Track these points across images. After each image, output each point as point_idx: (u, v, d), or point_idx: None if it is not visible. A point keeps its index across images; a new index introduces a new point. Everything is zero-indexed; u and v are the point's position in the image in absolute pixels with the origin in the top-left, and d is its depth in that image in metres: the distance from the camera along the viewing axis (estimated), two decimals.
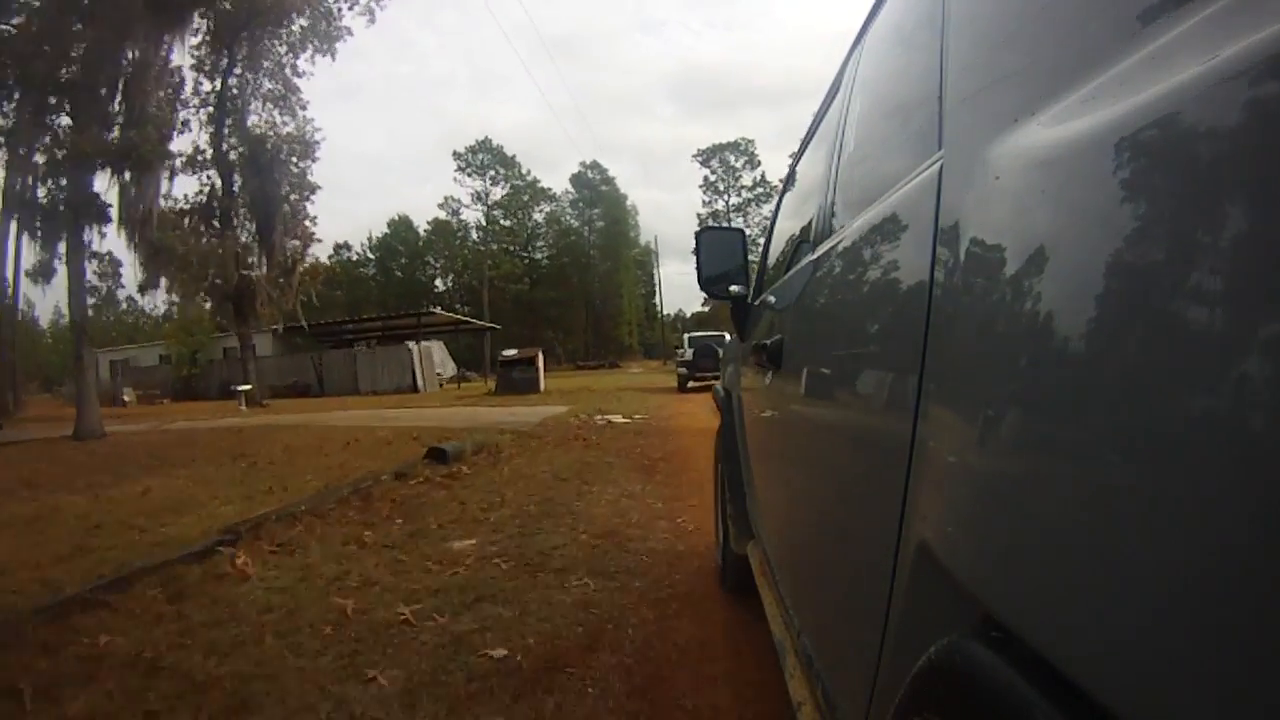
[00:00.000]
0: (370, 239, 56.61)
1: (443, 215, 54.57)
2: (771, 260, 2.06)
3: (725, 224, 51.76)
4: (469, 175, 53.80)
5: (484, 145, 53.69)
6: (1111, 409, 0.38)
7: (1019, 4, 0.63)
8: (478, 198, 53.65)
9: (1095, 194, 0.42)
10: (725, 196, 56.08)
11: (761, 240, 2.41)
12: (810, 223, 1.44)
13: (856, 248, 0.99)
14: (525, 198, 54.65)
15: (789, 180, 2.23)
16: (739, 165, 55.74)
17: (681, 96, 75.11)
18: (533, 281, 53.99)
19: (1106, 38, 0.47)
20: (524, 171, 54.99)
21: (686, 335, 19.48)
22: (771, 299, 1.72)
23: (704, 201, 57.10)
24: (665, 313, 58.68)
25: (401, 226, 54.52)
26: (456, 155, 53.75)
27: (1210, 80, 0.33)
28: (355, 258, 55.62)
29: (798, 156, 2.12)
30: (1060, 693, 0.39)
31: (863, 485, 0.86)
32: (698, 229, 2.33)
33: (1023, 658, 0.43)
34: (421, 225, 54.66)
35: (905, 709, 0.57)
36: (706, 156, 56.81)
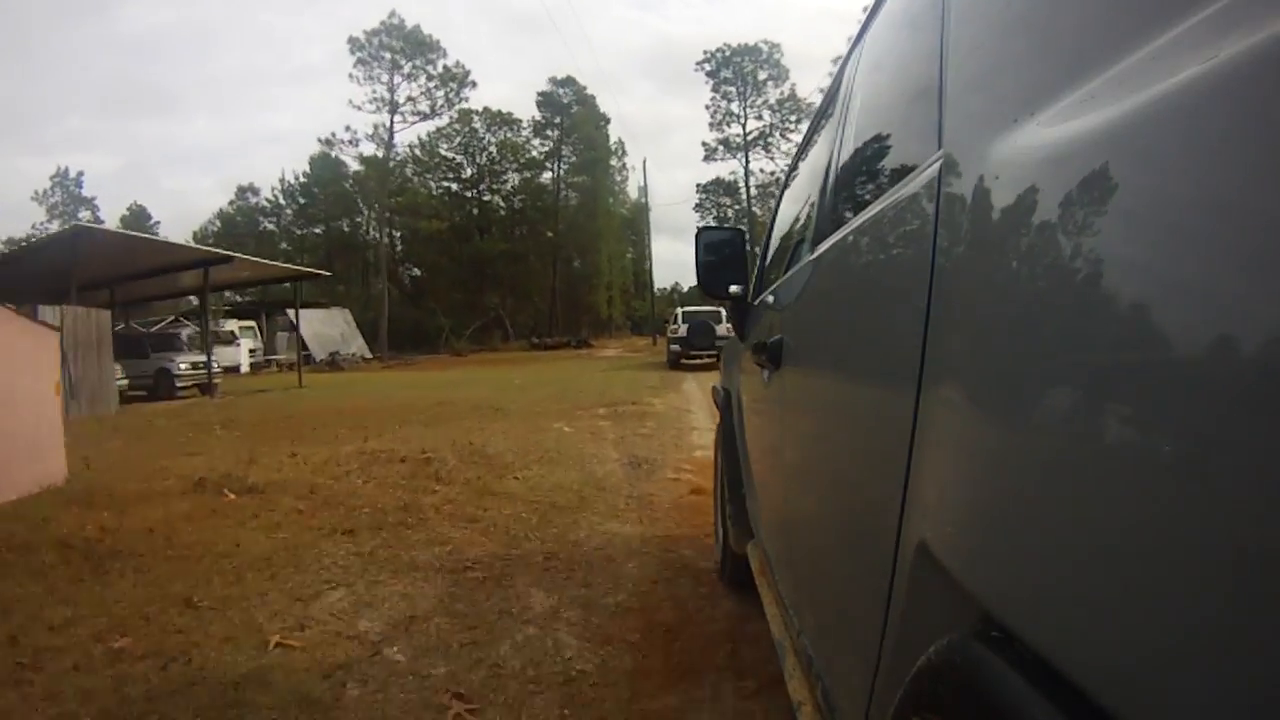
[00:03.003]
0: (282, 181, 40.58)
1: (377, 152, 37.14)
2: (770, 259, 2.06)
3: (741, 158, 40.19)
4: (370, 70, 33.90)
5: (391, 27, 33.87)
6: (1110, 409, 0.38)
7: (1019, 4, 0.63)
8: (382, 103, 34.34)
9: (1095, 194, 0.42)
10: (740, 118, 40.14)
11: (767, 228, 2.41)
12: (809, 222, 1.44)
13: (856, 247, 0.98)
14: (450, 94, 35.61)
15: (788, 179, 2.23)
16: (761, 77, 39.77)
17: (664, 72, 72.86)
18: (481, 230, 38.92)
19: (1106, 38, 0.47)
20: (456, 63, 35.36)
21: (680, 309, 17.54)
22: (771, 298, 1.72)
23: (711, 123, 40.69)
24: (659, 286, 45.44)
25: (322, 166, 38.37)
26: (353, 42, 33.59)
27: (1210, 80, 0.33)
28: (266, 204, 41.34)
29: (797, 155, 2.12)
30: (1060, 693, 0.39)
31: (862, 485, 0.86)
32: (697, 229, 2.32)
33: (1022, 658, 0.43)
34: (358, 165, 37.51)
35: (905, 709, 0.57)
36: (716, 65, 39.84)
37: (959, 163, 0.64)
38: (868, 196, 1.00)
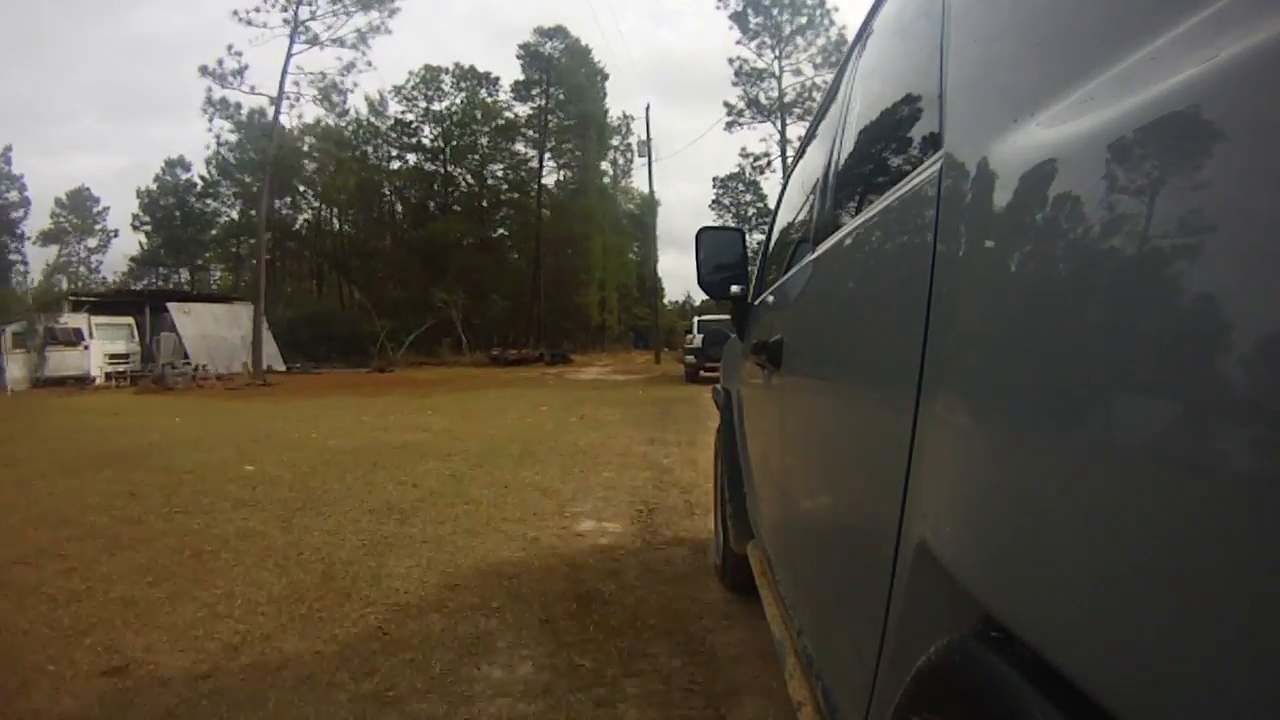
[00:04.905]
0: (217, 155, 31.66)
1: (330, 119, 28.33)
2: (771, 260, 2.06)
3: (775, 121, 30.14)
4: None
5: None
6: (1111, 409, 0.38)
7: (1019, 4, 0.63)
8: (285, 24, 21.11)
9: (1095, 194, 0.42)
10: (776, 73, 29.34)
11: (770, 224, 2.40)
12: (810, 222, 1.44)
13: (856, 247, 0.98)
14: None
15: (788, 180, 2.23)
16: (802, 21, 28.80)
17: (672, 84, 71.44)
18: (441, 206, 31.55)
19: (1106, 38, 0.47)
20: None
21: (696, 319, 16.73)
22: (771, 298, 1.72)
23: (735, 80, 29.68)
24: (670, 299, 38.91)
25: (258, 132, 27.12)
26: None
27: (1210, 80, 0.33)
28: (199, 182, 33.66)
29: (798, 156, 2.12)
30: (1060, 693, 0.39)
31: (862, 485, 0.86)
32: (698, 229, 2.31)
33: (1022, 658, 0.43)
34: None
35: (905, 709, 0.57)
36: (743, 3, 28.76)
37: (959, 163, 0.64)
38: (868, 196, 1.00)
